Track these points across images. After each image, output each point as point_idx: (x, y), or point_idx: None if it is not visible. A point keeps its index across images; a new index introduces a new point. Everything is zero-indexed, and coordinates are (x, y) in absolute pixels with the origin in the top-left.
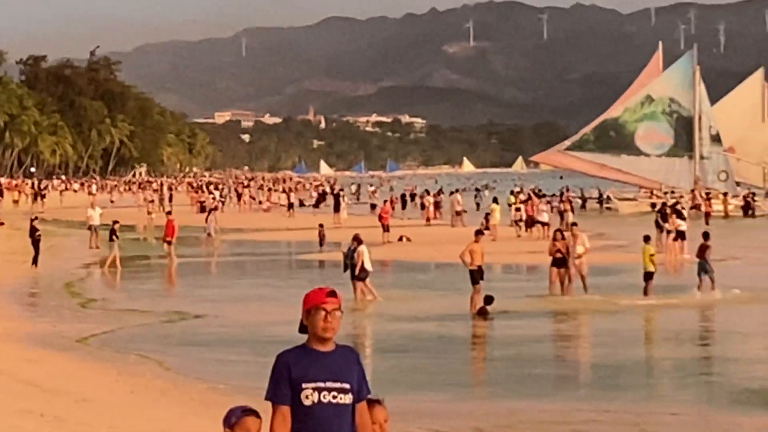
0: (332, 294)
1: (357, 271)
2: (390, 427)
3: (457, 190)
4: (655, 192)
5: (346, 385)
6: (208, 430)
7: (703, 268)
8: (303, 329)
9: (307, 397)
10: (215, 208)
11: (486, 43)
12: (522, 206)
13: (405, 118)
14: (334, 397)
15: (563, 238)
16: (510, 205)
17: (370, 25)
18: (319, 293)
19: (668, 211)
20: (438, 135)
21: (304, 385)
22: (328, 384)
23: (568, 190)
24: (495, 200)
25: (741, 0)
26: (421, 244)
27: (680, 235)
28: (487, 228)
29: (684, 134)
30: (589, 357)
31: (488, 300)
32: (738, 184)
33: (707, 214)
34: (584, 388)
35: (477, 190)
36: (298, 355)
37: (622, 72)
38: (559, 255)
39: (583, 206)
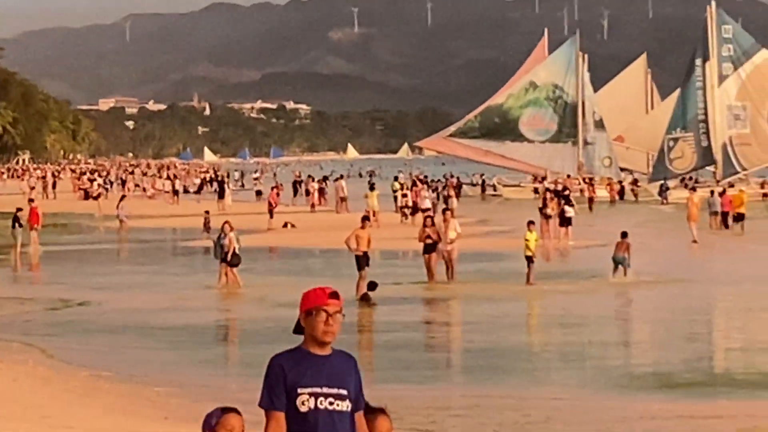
0: (334, 295)
1: (228, 258)
2: None
3: (341, 177)
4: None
5: (344, 392)
6: (91, 417)
7: (620, 261)
8: (298, 330)
9: (303, 403)
10: (123, 197)
11: (371, 29)
12: (408, 192)
13: (290, 105)
14: (331, 403)
15: (433, 224)
16: (395, 192)
17: (255, 11)
18: (321, 294)
19: (548, 196)
20: (323, 121)
21: (299, 391)
22: (325, 390)
23: (452, 176)
24: (372, 187)
25: None
26: (306, 231)
27: (567, 221)
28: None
29: (568, 120)
30: (472, 342)
31: (372, 286)
32: (622, 170)
33: (590, 200)
34: (467, 373)
35: (370, 175)
36: (293, 359)
37: (507, 58)
38: (429, 241)
39: (483, 191)
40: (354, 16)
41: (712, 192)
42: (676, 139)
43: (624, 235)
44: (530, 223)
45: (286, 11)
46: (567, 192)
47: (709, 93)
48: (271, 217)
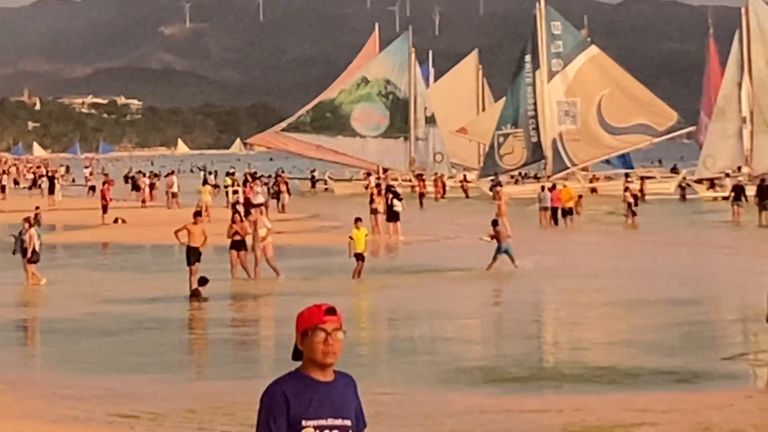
0: (331, 311)
1: (29, 254)
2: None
3: (172, 172)
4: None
5: (348, 422)
6: None
7: (500, 250)
8: (297, 355)
9: None
10: None
11: (202, 24)
12: (240, 189)
13: (121, 100)
14: None
15: (242, 220)
16: (226, 188)
17: (86, 5)
18: (316, 311)
19: (375, 191)
20: (154, 116)
21: (304, 423)
22: (330, 421)
23: (283, 172)
24: (205, 182)
25: None
26: (137, 226)
27: (395, 216)
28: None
29: (399, 115)
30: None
31: (202, 281)
32: (455, 165)
33: (421, 195)
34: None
35: (201, 170)
36: (296, 386)
37: (339, 54)
38: (237, 237)
39: (313, 186)
40: (186, 12)
41: (542, 187)
42: (506, 135)
43: (495, 223)
44: (357, 219)
45: (117, 6)
46: (394, 187)
47: (538, 89)
48: (105, 212)
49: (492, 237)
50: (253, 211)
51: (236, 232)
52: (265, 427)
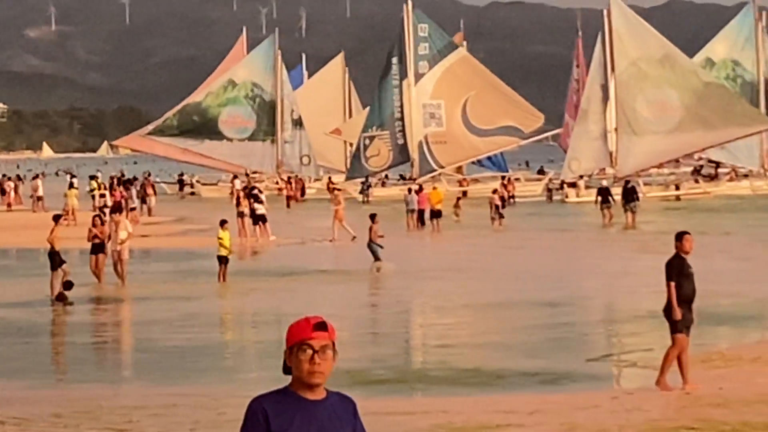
0: (321, 326)
1: None
2: None
3: (37, 176)
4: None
5: None
6: None
7: (371, 248)
8: (287, 370)
9: None
10: None
11: (68, 27)
12: (107, 192)
13: None
14: None
15: (102, 223)
16: (92, 191)
17: None
18: (304, 326)
19: (241, 195)
20: (20, 120)
21: None
22: None
23: (149, 176)
24: (71, 185)
25: None
26: (2, 230)
27: (260, 219)
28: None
29: (266, 118)
30: (168, 341)
31: (68, 285)
32: (328, 168)
33: (288, 198)
34: (163, 372)
35: (67, 173)
36: (279, 403)
37: (206, 57)
38: (97, 241)
39: (181, 189)
40: (51, 14)
41: (409, 189)
42: (372, 137)
43: (372, 218)
44: (223, 222)
45: None
46: (256, 190)
47: (405, 91)
48: None
49: (376, 237)
50: (115, 214)
51: (95, 236)
52: None
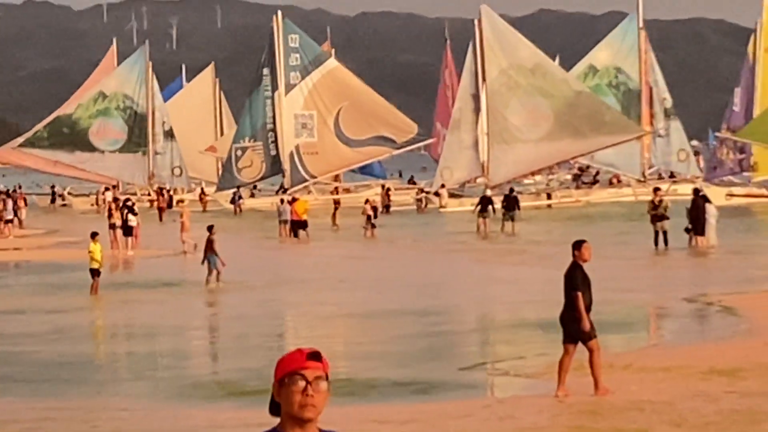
0: (315, 356)
1: None
2: None
3: None
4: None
5: None
6: None
7: (211, 260)
8: (275, 409)
9: None
10: None
11: None
12: None
13: None
14: None
15: None
16: None
17: None
18: (297, 356)
19: (113, 206)
20: None
21: None
22: None
23: (20, 188)
24: None
25: None
26: None
27: (129, 231)
28: None
29: (137, 130)
30: (39, 354)
31: None
32: (199, 180)
33: (160, 210)
34: (34, 386)
35: None
36: None
37: (76, 69)
38: None
39: (53, 201)
40: None
41: (281, 200)
42: (244, 149)
43: (210, 229)
44: (94, 234)
45: None
46: (131, 202)
47: (276, 102)
48: None
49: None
50: None
51: None
52: None
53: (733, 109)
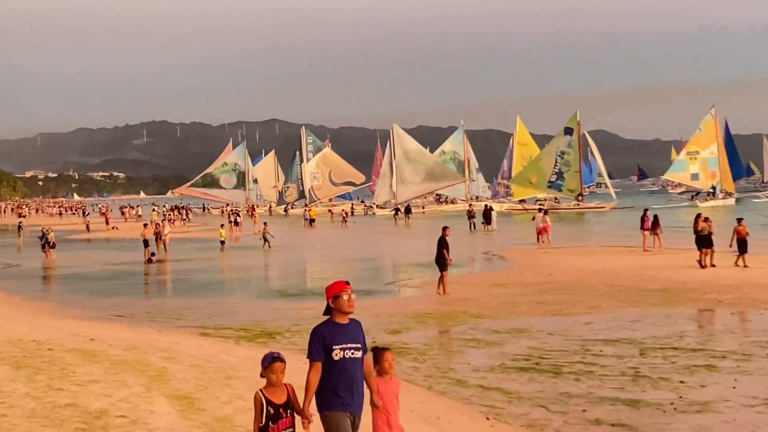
0: (348, 283)
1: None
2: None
3: None
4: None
5: (359, 345)
6: None
7: (266, 238)
8: (327, 312)
9: (336, 354)
10: None
11: None
12: None
13: None
14: (352, 353)
15: None
16: None
17: None
18: (341, 284)
19: (230, 213)
20: None
21: (334, 347)
22: (348, 345)
23: (188, 205)
24: None
25: None
26: None
27: (237, 224)
28: None
29: (241, 179)
30: (200, 277)
31: None
32: None
33: (252, 215)
34: (194, 290)
35: None
36: (328, 327)
37: (216, 153)
38: None
39: None
40: None
41: (306, 209)
42: (288, 187)
43: (264, 224)
44: (222, 225)
45: None
46: (237, 210)
47: (304, 166)
48: None
49: None
50: None
51: None
52: (311, 351)
53: (504, 169)
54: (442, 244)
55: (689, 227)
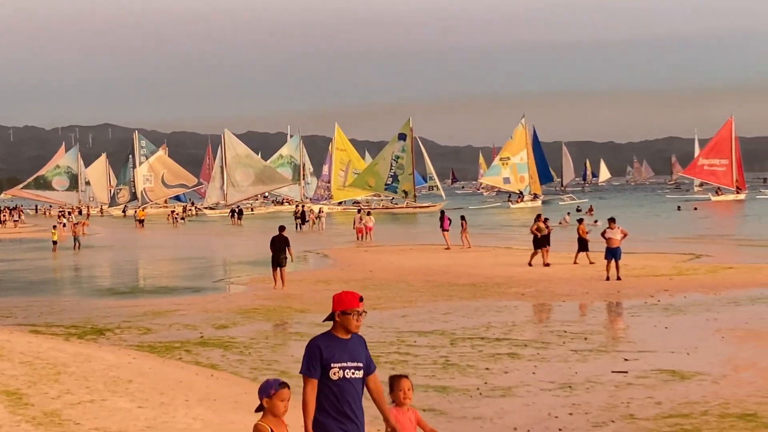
0: (361, 299)
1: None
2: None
3: None
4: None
5: (360, 364)
6: None
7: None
8: (330, 318)
9: (334, 373)
10: None
11: None
12: None
13: None
14: (352, 373)
15: None
16: None
17: None
18: (353, 298)
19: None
20: None
21: (332, 365)
22: (348, 363)
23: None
24: None
25: None
26: None
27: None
28: None
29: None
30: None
31: None
32: None
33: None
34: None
35: None
36: (326, 341)
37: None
38: None
39: None
40: None
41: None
42: (120, 188)
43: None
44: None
45: None
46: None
47: (137, 169)
48: None
49: None
50: None
51: None
52: (306, 367)
53: (324, 173)
54: (285, 242)
55: (507, 227)
